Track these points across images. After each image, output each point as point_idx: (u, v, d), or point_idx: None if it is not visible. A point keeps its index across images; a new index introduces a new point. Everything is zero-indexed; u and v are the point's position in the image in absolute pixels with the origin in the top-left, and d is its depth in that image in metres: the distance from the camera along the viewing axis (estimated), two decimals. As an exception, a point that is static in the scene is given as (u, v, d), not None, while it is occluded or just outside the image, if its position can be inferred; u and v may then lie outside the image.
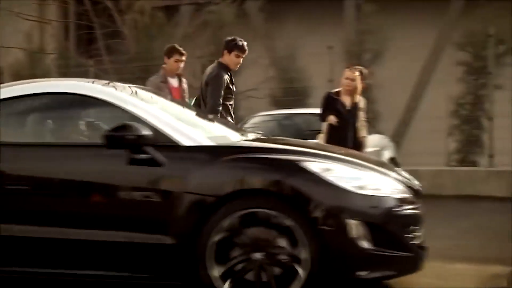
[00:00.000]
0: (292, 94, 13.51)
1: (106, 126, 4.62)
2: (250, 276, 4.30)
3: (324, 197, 4.29)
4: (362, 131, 8.16)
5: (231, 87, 7.21)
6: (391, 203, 4.44)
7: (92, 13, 14.98)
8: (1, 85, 5.27)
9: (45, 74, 14.65)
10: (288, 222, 4.25)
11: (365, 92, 8.43)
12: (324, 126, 8.15)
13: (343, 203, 4.31)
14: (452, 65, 12.61)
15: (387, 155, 10.39)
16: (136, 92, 5.17)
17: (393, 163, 9.43)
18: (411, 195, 4.66)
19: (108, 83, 5.13)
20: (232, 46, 7.22)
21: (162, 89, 7.46)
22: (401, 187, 4.64)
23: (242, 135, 5.23)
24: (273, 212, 4.27)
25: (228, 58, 7.22)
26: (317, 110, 8.38)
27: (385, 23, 13.47)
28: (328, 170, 4.40)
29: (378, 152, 9.82)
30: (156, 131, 4.52)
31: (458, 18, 14.16)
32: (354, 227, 4.26)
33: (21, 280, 4.81)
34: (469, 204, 10.00)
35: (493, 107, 11.67)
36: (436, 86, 13.24)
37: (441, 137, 12.36)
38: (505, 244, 6.63)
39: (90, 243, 4.51)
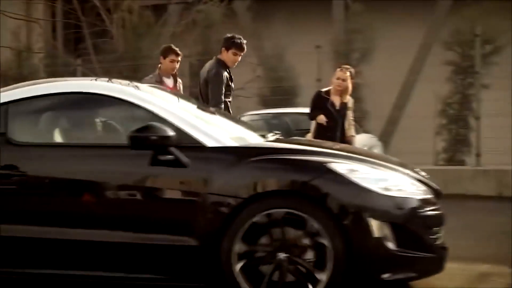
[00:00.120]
0: (280, 94, 13.53)
1: (130, 127, 4.52)
2: (274, 276, 4.27)
3: (351, 198, 4.27)
4: (350, 131, 8.18)
5: (230, 83, 7.20)
6: (415, 204, 4.42)
7: (80, 12, 14.92)
8: (20, 84, 5.23)
9: (33, 73, 14.60)
10: (314, 223, 4.22)
11: (353, 92, 8.45)
12: (313, 125, 8.17)
13: (369, 204, 4.28)
14: (440, 64, 12.66)
15: (375, 154, 10.40)
16: (156, 92, 5.12)
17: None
18: (432, 196, 4.66)
19: (130, 83, 5.07)
20: (230, 44, 7.19)
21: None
22: (423, 187, 4.63)
23: (261, 135, 5.18)
24: (299, 213, 4.24)
25: (226, 56, 7.19)
26: (306, 109, 8.39)
27: (373, 22, 13.52)
28: (354, 171, 4.37)
29: (366, 152, 9.83)
30: (180, 131, 4.47)
31: (446, 17, 14.24)
32: (380, 228, 4.24)
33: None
34: (456, 203, 10.00)
35: (480, 107, 11.72)
36: (424, 85, 13.29)
37: (429, 136, 12.41)
38: (492, 243, 6.67)
39: (109, 245, 4.45)
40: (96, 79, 5.29)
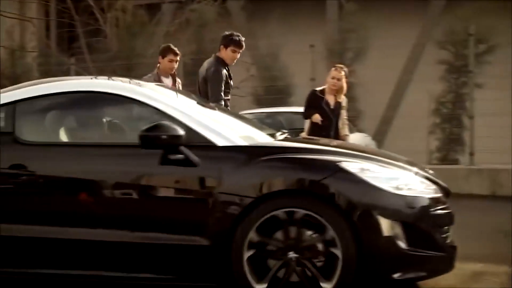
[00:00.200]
0: (274, 93, 13.53)
1: (140, 126, 4.48)
2: (280, 273, 4.25)
3: (362, 197, 4.25)
4: (344, 130, 8.19)
5: (229, 81, 7.18)
6: (425, 203, 4.42)
7: (74, 11, 14.90)
8: (31, 82, 5.19)
9: (26, 72, 14.57)
10: (325, 222, 4.21)
11: (347, 91, 8.46)
12: (307, 123, 8.17)
13: (380, 203, 4.27)
14: (433, 63, 12.68)
15: (368, 153, 10.41)
16: (164, 91, 5.09)
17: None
18: (442, 194, 4.66)
19: (140, 82, 5.04)
20: (229, 41, 7.18)
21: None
22: (433, 186, 4.63)
23: (270, 134, 5.14)
24: (310, 212, 4.23)
25: (225, 53, 7.17)
26: (300, 109, 8.38)
27: (366, 22, 13.53)
28: (365, 170, 4.36)
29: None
30: (190, 131, 4.45)
31: (439, 17, 14.28)
32: (391, 227, 4.24)
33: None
34: (450, 202, 10.05)
35: (474, 106, 11.74)
36: (418, 84, 13.31)
37: (423, 135, 12.43)
38: (486, 242, 6.68)
39: (116, 245, 4.42)
40: (96, 78, 5.29)
